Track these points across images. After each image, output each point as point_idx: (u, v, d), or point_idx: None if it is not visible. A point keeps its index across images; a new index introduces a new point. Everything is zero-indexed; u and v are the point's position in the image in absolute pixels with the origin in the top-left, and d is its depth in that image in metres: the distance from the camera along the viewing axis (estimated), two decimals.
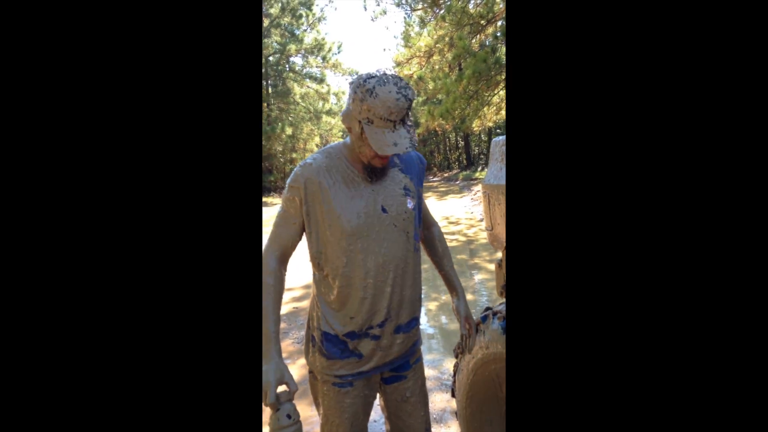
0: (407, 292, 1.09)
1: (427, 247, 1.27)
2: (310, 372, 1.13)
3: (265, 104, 15.23)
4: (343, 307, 1.05)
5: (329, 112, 17.49)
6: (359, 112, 0.97)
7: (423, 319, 3.32)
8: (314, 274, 1.11)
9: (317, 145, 18.63)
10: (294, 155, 15.57)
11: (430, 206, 9.37)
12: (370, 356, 1.07)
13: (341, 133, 23.72)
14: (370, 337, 1.06)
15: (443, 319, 3.22)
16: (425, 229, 1.25)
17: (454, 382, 1.35)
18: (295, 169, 1.08)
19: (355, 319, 1.05)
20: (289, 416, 0.90)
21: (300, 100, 16.94)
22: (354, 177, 1.05)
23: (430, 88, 12.10)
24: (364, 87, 0.97)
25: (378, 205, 1.05)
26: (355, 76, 1.02)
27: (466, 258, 4.95)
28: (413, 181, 1.13)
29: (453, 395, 1.36)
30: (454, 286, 1.23)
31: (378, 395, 1.17)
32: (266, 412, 1.10)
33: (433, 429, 1.90)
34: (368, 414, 1.13)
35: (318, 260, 1.06)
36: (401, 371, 1.14)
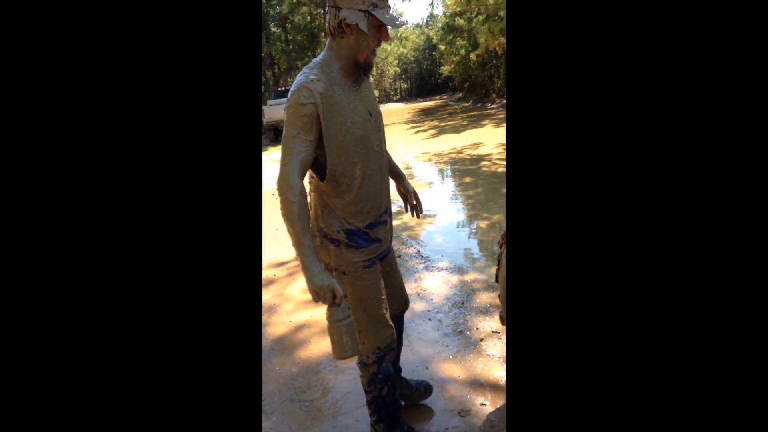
0: (388, 182, 1.31)
1: None
2: (334, 270, 1.25)
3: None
4: (360, 205, 1.19)
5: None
6: (362, 2, 1.10)
7: (476, 238, 3.51)
8: (319, 187, 1.19)
9: None
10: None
11: (487, 134, 9.14)
12: (385, 239, 1.29)
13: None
14: (382, 224, 1.26)
15: (491, 235, 3.38)
16: None
17: (498, 269, 1.55)
18: (299, 87, 1.09)
19: (372, 212, 1.22)
20: (343, 311, 1.09)
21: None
22: (347, 88, 1.16)
23: (491, 3, 11.17)
24: None
25: (366, 111, 1.20)
26: None
27: None
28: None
29: (497, 281, 1.57)
30: (397, 174, 1.47)
31: None
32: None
33: (480, 321, 2.16)
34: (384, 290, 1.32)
35: (334, 173, 1.14)
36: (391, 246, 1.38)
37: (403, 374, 1.66)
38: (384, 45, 16.69)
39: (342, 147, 1.14)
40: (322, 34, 15.73)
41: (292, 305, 2.53)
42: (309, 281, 1.06)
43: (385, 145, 1.31)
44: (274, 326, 2.30)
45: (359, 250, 1.23)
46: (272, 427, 1.55)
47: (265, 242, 3.63)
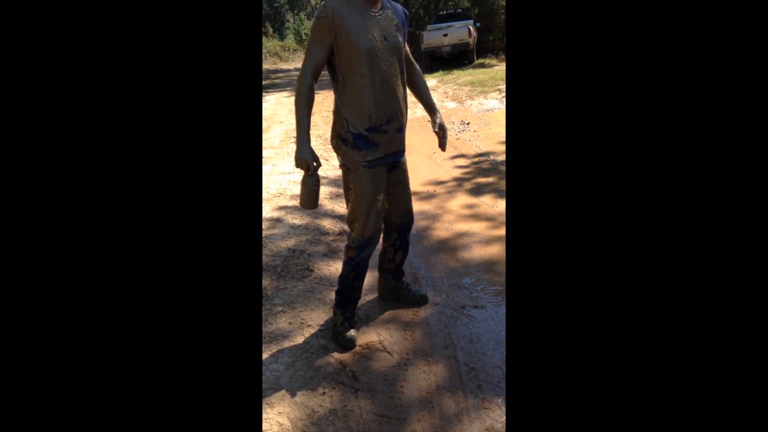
0: (401, 105, 1.59)
1: (408, 83, 1.70)
2: (342, 166, 1.62)
3: None
4: (362, 110, 1.51)
5: None
6: None
7: None
8: (336, 94, 1.56)
9: None
10: None
11: None
12: (382, 145, 1.57)
13: None
14: (381, 132, 1.56)
15: None
16: (408, 68, 1.67)
17: None
18: (321, 6, 1.47)
19: (372, 118, 1.53)
20: (317, 179, 1.55)
21: None
22: (364, 11, 1.48)
23: None
24: None
25: (381, 34, 1.50)
26: None
27: None
28: (401, 23, 1.58)
29: None
30: (433, 109, 1.74)
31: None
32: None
33: None
34: (382, 192, 1.63)
35: (342, 76, 1.51)
36: (398, 159, 1.67)
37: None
38: None
39: (348, 56, 1.47)
40: None
41: (453, 216, 2.86)
42: (297, 151, 1.49)
43: (402, 73, 1.58)
44: (438, 230, 2.67)
45: (362, 152, 1.56)
46: (443, 300, 1.95)
47: (423, 164, 3.97)
